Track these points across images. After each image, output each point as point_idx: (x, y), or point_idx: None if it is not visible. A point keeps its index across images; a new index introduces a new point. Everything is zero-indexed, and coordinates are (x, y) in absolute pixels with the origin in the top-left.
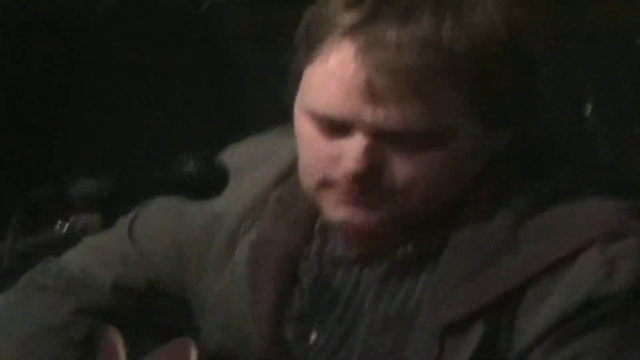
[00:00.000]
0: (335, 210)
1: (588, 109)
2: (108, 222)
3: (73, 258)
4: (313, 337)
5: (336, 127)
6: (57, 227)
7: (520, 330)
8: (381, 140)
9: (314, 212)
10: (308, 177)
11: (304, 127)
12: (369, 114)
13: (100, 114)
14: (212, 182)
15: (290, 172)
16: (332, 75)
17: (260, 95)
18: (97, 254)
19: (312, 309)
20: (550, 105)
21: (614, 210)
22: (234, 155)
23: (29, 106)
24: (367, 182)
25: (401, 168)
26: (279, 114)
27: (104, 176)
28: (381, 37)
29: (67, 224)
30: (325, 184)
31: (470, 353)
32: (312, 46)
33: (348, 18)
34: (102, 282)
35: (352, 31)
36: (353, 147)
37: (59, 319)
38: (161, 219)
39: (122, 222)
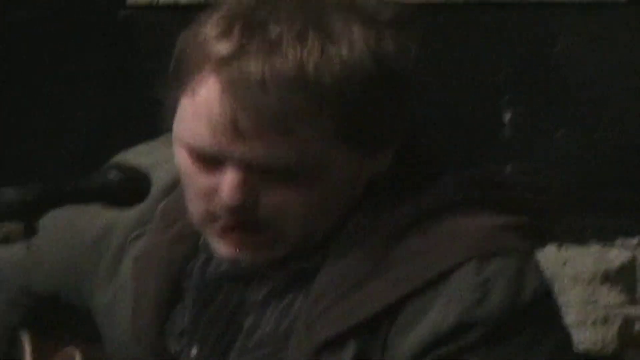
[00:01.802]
0: (220, 244)
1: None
2: (31, 230)
3: None
4: (194, 352)
5: (209, 161)
6: None
7: (393, 349)
8: (254, 173)
9: None
10: (192, 210)
11: (182, 159)
12: (236, 149)
13: (21, 121)
14: (135, 191)
15: (176, 184)
16: (200, 110)
17: None
18: None
19: (194, 324)
20: (468, 109)
21: (489, 227)
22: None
23: None
24: (245, 216)
25: (277, 201)
26: None
27: (26, 184)
28: (246, 73)
29: None
30: (208, 217)
31: None
32: (184, 76)
33: (217, 50)
34: (8, 289)
35: (218, 65)
36: (227, 181)
37: None
38: (55, 232)
39: None
